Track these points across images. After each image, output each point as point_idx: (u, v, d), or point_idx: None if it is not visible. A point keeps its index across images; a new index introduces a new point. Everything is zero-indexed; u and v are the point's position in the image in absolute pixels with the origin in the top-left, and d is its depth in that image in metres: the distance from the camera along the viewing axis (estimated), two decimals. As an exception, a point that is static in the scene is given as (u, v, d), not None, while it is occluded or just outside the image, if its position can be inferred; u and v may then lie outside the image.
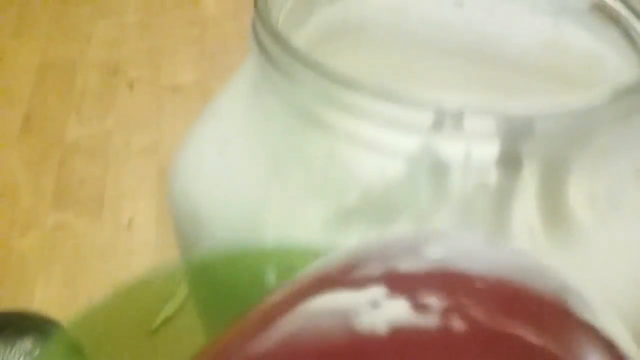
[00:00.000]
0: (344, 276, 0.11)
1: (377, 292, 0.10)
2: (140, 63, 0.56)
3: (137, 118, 0.51)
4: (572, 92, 0.27)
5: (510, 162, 0.15)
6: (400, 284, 0.11)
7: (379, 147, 0.16)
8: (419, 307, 0.10)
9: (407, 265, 0.11)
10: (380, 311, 0.10)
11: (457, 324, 0.10)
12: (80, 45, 0.58)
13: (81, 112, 0.52)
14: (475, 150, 0.15)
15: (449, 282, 0.10)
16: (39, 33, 0.59)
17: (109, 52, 0.57)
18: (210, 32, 0.59)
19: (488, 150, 0.15)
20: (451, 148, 0.15)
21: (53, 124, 0.50)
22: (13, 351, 0.29)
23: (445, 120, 0.15)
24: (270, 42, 0.17)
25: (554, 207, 0.16)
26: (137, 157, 0.48)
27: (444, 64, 0.29)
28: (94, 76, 0.55)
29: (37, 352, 0.28)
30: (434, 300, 0.10)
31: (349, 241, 0.17)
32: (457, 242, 0.11)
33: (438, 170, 0.16)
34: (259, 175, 0.18)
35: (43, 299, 0.39)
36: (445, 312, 0.10)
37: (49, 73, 0.55)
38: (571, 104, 0.15)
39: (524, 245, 0.16)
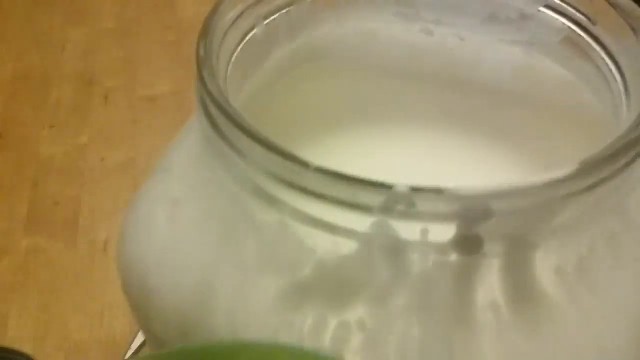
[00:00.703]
0: None
1: None
2: (115, 72, 0.55)
3: (112, 132, 0.50)
4: (546, 118, 0.26)
5: (469, 242, 0.14)
6: None
7: (329, 226, 0.15)
8: None
9: None
10: None
11: None
12: (53, 54, 0.56)
13: (55, 128, 0.50)
14: (432, 230, 0.14)
15: None
16: (10, 43, 0.57)
17: (83, 61, 0.56)
18: (188, 37, 0.58)
19: (446, 230, 0.14)
20: (406, 228, 0.14)
21: (26, 141, 0.49)
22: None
23: (396, 202, 0.14)
24: (215, 111, 0.16)
25: (519, 284, 0.15)
26: (112, 173, 0.47)
27: (414, 89, 0.28)
28: (68, 88, 0.53)
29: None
30: None
31: (305, 321, 0.16)
32: None
33: (394, 248, 0.15)
34: (209, 243, 0.17)
35: (17, 328, 0.38)
36: None
37: (21, 86, 0.53)
38: (532, 181, 0.14)
39: (489, 324, 0.15)
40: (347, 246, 0.15)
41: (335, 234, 0.15)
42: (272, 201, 0.15)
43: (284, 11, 0.22)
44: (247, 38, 0.20)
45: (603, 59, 0.20)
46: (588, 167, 0.14)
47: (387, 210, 0.14)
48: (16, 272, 0.41)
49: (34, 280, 0.41)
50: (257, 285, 0.17)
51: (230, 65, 0.19)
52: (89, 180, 0.47)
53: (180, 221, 0.18)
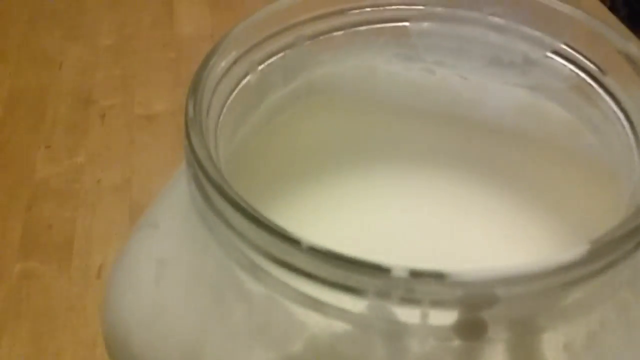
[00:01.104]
0: None
1: None
2: (112, 91, 0.54)
3: (108, 152, 0.49)
4: (550, 159, 0.25)
5: (472, 326, 0.13)
6: None
7: (322, 305, 0.14)
8: None
9: None
10: None
11: None
12: (50, 72, 0.55)
13: (51, 148, 0.49)
14: (432, 313, 0.13)
15: None
16: (7, 61, 0.56)
17: (80, 79, 0.55)
18: (186, 55, 0.57)
19: (447, 313, 0.13)
20: (404, 311, 0.13)
21: (21, 161, 0.48)
22: None
23: (394, 287, 0.13)
24: (203, 178, 0.15)
25: (525, 364, 0.14)
26: (108, 195, 0.46)
27: (414, 126, 0.27)
28: (64, 107, 0.52)
29: None
30: None
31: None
32: None
33: (391, 331, 0.14)
34: (196, 309, 0.16)
35: (8, 358, 0.37)
36: None
37: (17, 105, 0.52)
38: (539, 266, 0.13)
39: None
40: (341, 324, 0.14)
41: (327, 314, 0.14)
42: (259, 275, 0.15)
43: (279, 55, 0.21)
44: (241, 85, 0.19)
45: (613, 110, 0.19)
46: (599, 249, 0.13)
47: (384, 295, 0.13)
48: (9, 298, 0.40)
49: (26, 306, 0.40)
50: (246, 357, 0.16)
51: (222, 116, 0.18)
52: (84, 202, 0.46)
53: (166, 284, 0.17)
